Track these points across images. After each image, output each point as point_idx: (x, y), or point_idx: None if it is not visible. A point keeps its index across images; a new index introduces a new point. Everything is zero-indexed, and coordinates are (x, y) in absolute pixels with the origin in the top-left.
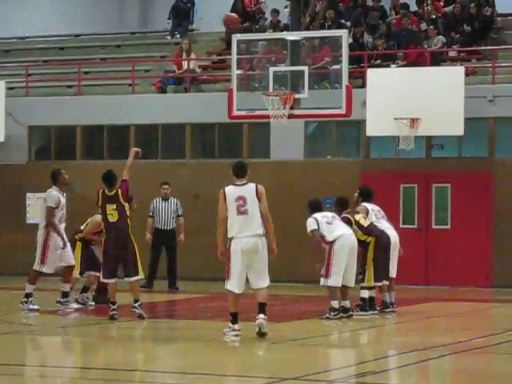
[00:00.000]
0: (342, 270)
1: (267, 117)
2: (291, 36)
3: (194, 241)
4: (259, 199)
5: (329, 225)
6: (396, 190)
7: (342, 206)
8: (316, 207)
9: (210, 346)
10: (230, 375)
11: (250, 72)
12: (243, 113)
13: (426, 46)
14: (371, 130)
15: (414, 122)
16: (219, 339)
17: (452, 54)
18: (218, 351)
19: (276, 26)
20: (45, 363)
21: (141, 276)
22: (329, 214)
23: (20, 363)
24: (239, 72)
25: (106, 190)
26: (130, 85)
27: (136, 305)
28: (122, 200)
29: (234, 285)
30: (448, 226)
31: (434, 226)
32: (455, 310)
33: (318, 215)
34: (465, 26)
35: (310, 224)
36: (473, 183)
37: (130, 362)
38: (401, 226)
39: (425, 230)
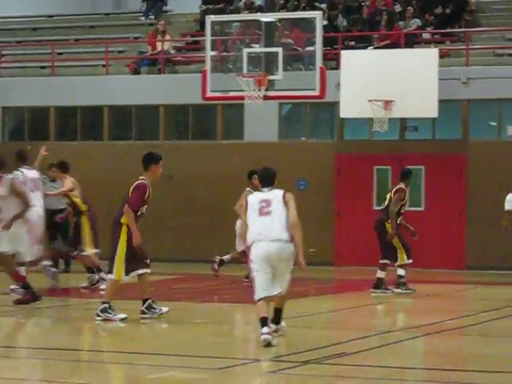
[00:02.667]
0: None
1: (241, 98)
2: (265, 17)
3: (168, 222)
4: (286, 204)
5: None
6: (369, 172)
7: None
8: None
9: (185, 327)
10: (205, 356)
11: (224, 53)
12: (217, 94)
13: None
14: (345, 111)
15: (387, 103)
16: (195, 320)
17: (426, 36)
18: (192, 332)
19: (250, 7)
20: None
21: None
22: None
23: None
24: (213, 53)
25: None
26: (103, 66)
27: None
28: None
29: (261, 293)
30: (421, 208)
31: (407, 208)
32: (428, 291)
33: None
34: (439, 7)
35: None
36: (446, 165)
37: (104, 343)
38: (374, 207)
39: None
